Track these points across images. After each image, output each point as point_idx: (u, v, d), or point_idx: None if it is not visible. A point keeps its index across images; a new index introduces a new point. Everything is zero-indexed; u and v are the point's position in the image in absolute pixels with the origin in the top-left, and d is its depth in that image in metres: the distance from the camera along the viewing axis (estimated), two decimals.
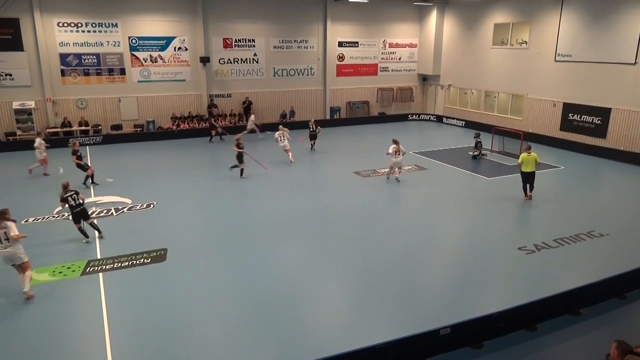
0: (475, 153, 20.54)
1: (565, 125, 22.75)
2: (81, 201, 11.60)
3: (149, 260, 10.71)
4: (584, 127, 21.98)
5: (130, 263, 10.55)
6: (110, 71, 24.00)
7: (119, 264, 10.49)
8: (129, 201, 14.69)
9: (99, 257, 10.90)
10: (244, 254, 11.08)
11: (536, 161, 14.63)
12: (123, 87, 24.39)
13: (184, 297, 9.17)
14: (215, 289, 9.56)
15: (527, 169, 14.71)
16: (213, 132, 23.65)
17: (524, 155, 14.78)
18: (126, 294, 9.36)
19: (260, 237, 12.05)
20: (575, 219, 13.29)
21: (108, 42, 23.60)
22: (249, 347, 7.67)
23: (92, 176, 16.23)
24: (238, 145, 17.06)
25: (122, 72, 24.23)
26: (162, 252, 11.05)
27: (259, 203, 14.59)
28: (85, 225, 11.80)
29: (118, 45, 23.83)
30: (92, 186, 16.06)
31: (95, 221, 12.21)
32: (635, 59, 19.59)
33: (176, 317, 8.49)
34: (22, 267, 9.11)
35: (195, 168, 18.74)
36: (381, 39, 29.94)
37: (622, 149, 20.21)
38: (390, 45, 30.30)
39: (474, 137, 20.78)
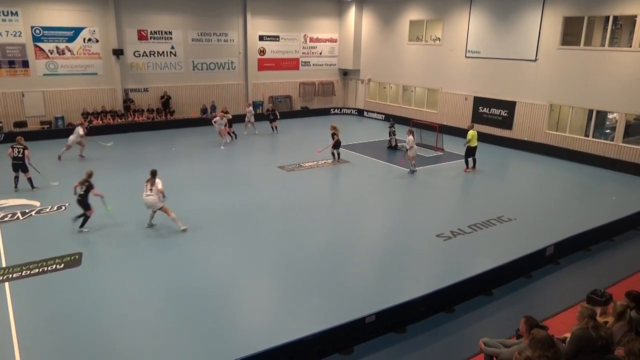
0: (392, 144, 21.28)
1: (476, 117, 24.15)
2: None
3: (62, 265, 10.05)
4: (492, 120, 23.48)
5: (40, 270, 9.83)
6: (11, 63, 22.07)
7: (28, 272, 9.74)
8: (37, 204, 13.67)
9: (4, 265, 10.05)
10: (166, 254, 10.73)
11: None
12: (26, 80, 22.53)
13: (103, 303, 8.71)
14: (136, 291, 9.17)
15: (475, 143, 17.34)
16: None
17: (473, 132, 17.30)
18: (37, 304, 8.73)
19: (182, 236, 11.70)
20: (486, 205, 14.20)
21: (7, 32, 21.65)
22: (174, 350, 7.45)
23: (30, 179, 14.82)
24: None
25: (25, 64, 22.37)
26: (77, 257, 10.42)
27: (178, 201, 14.10)
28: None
29: (19, 36, 21.95)
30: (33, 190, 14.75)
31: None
32: (536, 56, 21.21)
33: (95, 324, 8.05)
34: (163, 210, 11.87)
35: (110, 166, 17.79)
36: (302, 34, 30.05)
37: (525, 139, 21.85)
38: (311, 40, 30.49)
39: (389, 127, 21.55)
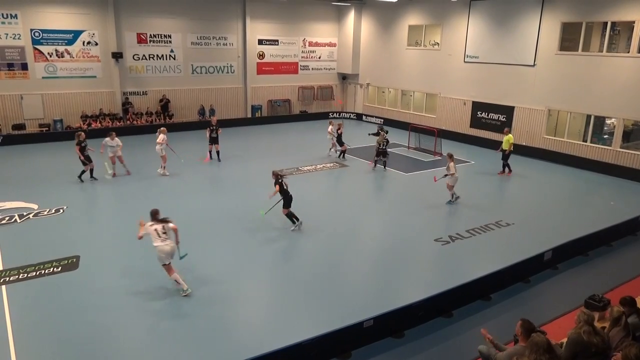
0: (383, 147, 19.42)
1: (475, 122, 24.23)
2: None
3: (60, 268, 10.02)
4: (491, 124, 23.53)
5: (38, 273, 9.80)
6: (10, 66, 22.08)
7: (25, 275, 9.72)
8: (35, 206, 13.64)
9: (1, 268, 10.03)
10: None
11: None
12: (25, 83, 22.53)
13: (100, 306, 8.68)
14: (134, 295, 9.14)
15: (506, 147, 17.92)
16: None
17: (507, 137, 17.73)
18: (34, 307, 8.69)
19: (181, 239, 11.65)
20: (485, 210, 14.21)
21: (7, 34, 21.68)
22: (173, 354, 7.43)
23: (91, 171, 16.12)
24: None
25: (24, 67, 22.37)
26: (74, 260, 10.39)
27: (177, 205, 14.09)
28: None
29: (19, 38, 21.98)
30: (91, 181, 16.01)
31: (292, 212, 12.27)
32: (534, 61, 21.28)
33: (92, 328, 8.03)
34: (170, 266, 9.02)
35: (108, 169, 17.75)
36: (301, 38, 30.11)
37: (524, 144, 21.86)
38: (310, 44, 30.56)
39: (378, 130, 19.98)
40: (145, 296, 9.13)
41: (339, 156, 20.23)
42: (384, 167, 18.35)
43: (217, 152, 19.14)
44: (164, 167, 16.95)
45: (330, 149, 20.50)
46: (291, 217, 12.29)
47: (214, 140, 18.87)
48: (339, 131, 19.91)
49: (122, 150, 16.80)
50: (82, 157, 15.75)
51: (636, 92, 18.01)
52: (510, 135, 18.05)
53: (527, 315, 7.74)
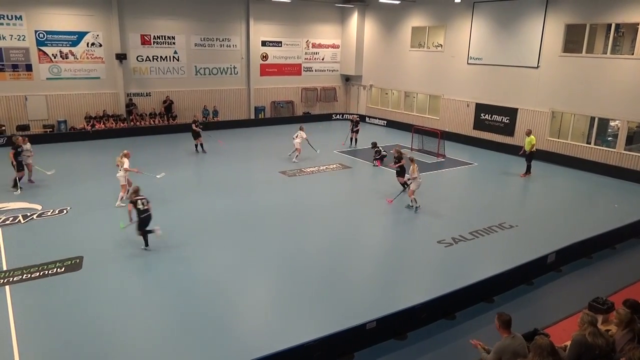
0: (377, 157, 19.71)
1: (478, 124, 24.18)
2: (148, 208, 10.96)
3: (63, 269, 10.04)
4: (494, 126, 23.48)
5: (41, 273, 9.83)
6: (15, 67, 22.16)
7: (29, 275, 9.74)
8: (39, 207, 13.68)
9: (5, 268, 10.06)
10: (167, 259, 10.71)
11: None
12: (30, 84, 22.62)
13: (103, 307, 8.71)
14: (137, 296, 9.17)
15: (528, 148, 17.96)
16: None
17: (529, 138, 17.76)
18: (38, 307, 8.72)
19: (183, 241, 11.69)
20: (488, 212, 14.17)
21: (11, 35, 21.77)
22: (174, 355, 7.44)
23: (19, 179, 15.13)
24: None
25: (29, 68, 22.46)
26: (78, 260, 10.42)
27: (180, 206, 14.13)
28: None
29: (23, 40, 22.06)
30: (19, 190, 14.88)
31: (152, 233, 11.05)
32: (538, 63, 21.23)
33: (95, 328, 8.05)
34: None
35: (113, 171, 17.76)
36: (304, 39, 30.14)
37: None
38: (314, 46, 30.59)
39: (372, 147, 20.04)
40: (148, 297, 9.15)
41: (351, 142, 22.81)
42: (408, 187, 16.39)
43: (202, 145, 20.79)
44: (121, 198, 14.13)
45: (293, 152, 19.70)
46: (145, 237, 11.08)
47: (197, 135, 20.46)
48: (351, 123, 23.20)
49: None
50: (14, 163, 14.86)
51: None
52: (532, 136, 17.98)
53: (530, 317, 7.75)
